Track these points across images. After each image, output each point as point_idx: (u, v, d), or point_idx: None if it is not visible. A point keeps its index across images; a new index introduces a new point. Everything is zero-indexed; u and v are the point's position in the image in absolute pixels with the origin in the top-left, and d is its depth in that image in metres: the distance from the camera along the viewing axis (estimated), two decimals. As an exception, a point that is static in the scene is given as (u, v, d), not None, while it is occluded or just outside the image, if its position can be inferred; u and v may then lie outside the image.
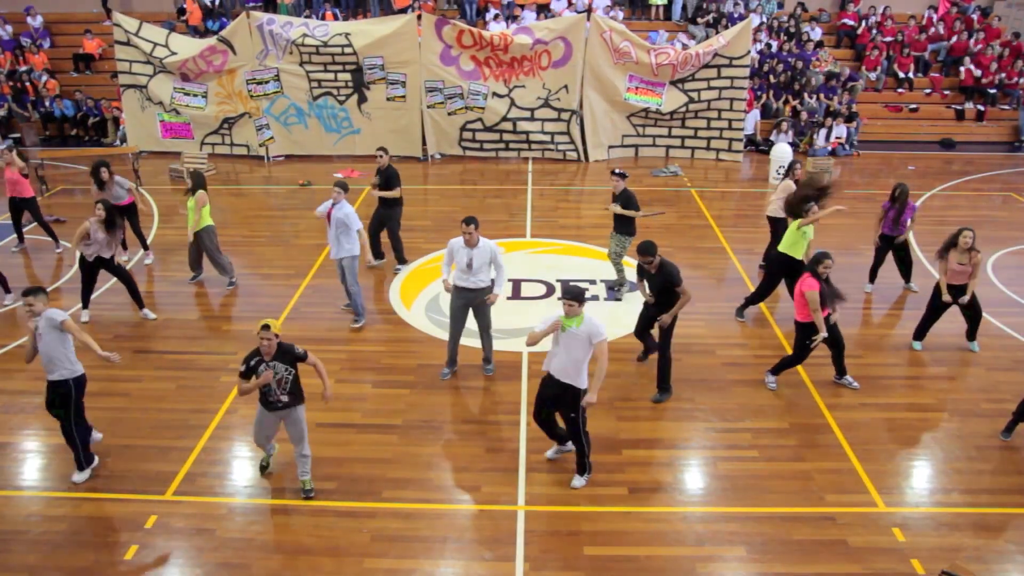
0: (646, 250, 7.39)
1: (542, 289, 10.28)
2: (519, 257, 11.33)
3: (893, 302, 10.07)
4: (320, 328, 9.26)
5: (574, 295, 6.03)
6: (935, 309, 8.65)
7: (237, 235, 12.27)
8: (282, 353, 6.00)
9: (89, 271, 9.15)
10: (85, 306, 9.46)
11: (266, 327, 5.84)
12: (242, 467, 6.87)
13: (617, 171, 9.51)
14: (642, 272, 7.68)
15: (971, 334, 8.78)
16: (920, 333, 8.86)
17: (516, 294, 10.16)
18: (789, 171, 10.11)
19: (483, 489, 6.57)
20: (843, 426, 7.41)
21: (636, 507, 6.36)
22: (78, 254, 9.02)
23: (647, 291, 7.80)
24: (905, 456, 7.02)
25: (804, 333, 7.63)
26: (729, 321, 9.46)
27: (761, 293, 9.38)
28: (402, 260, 10.90)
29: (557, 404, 6.41)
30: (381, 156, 10.48)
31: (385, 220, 10.63)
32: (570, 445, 6.73)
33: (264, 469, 6.74)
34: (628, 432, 7.31)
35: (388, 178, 10.39)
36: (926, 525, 6.18)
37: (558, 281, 10.47)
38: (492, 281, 7.97)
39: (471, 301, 7.94)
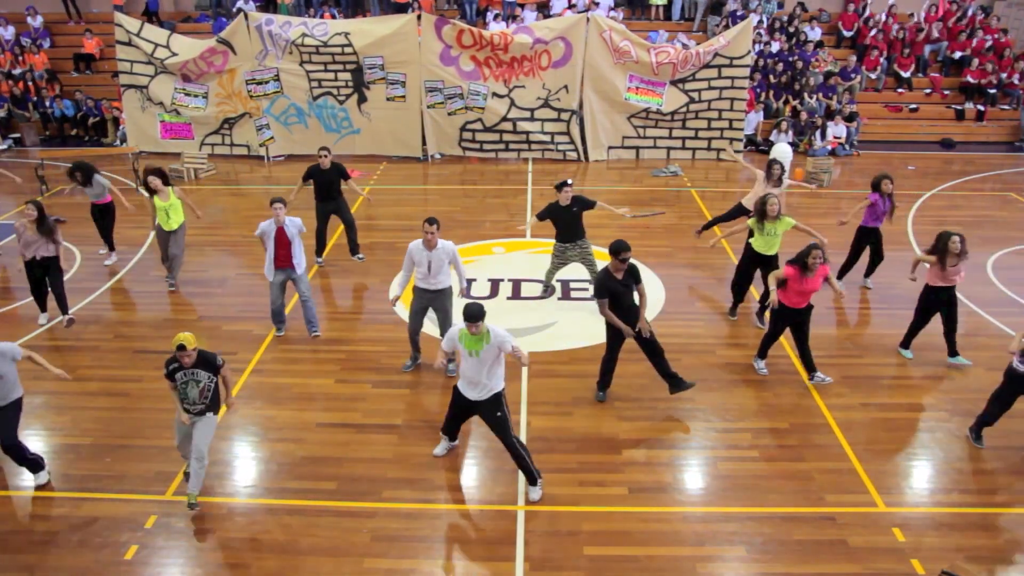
0: (625, 247, 7.03)
1: (542, 289, 10.27)
2: (519, 257, 11.32)
3: (892, 302, 10.05)
4: (319, 328, 9.25)
5: (476, 315, 5.92)
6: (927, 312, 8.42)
7: (237, 235, 12.26)
8: (203, 362, 6.10)
9: (31, 273, 9.04)
10: (43, 309, 9.39)
11: (182, 347, 5.90)
12: (242, 467, 6.88)
13: (569, 181, 9.31)
14: (608, 285, 7.11)
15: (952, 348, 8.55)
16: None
17: (516, 294, 10.16)
18: (768, 173, 10.11)
19: (483, 489, 6.58)
20: (843, 426, 7.41)
21: (636, 507, 6.36)
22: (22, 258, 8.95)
23: (617, 319, 7.19)
24: (905, 456, 7.02)
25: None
26: (729, 321, 9.46)
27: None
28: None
29: (478, 414, 6.40)
30: (324, 155, 10.39)
31: (341, 212, 10.76)
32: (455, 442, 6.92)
33: (188, 475, 6.54)
34: (628, 432, 7.31)
35: (342, 172, 10.56)
36: (926, 525, 6.18)
37: (558, 281, 10.47)
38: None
39: (431, 303, 7.98)
